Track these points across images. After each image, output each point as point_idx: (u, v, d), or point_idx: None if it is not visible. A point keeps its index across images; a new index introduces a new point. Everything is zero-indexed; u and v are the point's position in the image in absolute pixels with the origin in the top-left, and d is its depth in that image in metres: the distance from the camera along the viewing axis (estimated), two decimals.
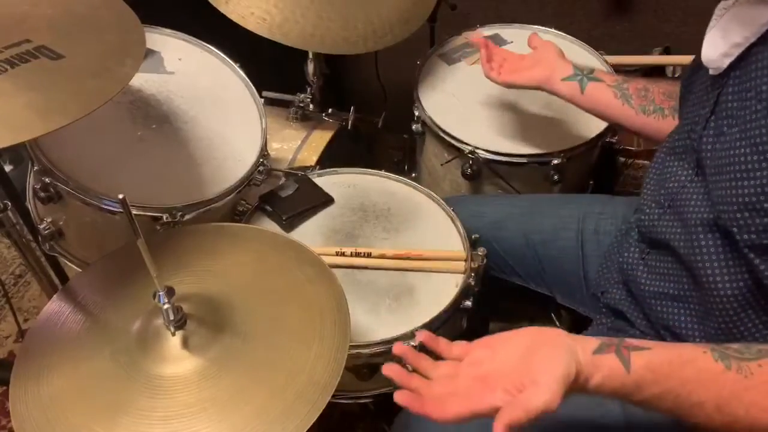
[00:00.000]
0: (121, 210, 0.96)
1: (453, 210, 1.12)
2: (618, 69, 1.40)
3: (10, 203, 0.88)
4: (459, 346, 0.72)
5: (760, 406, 0.61)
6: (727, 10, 0.73)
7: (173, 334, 0.70)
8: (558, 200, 1.19)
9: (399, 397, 0.65)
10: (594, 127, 1.27)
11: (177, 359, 0.70)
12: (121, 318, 0.75)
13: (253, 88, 1.19)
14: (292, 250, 0.84)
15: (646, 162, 1.57)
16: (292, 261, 0.81)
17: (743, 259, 0.70)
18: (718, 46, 0.74)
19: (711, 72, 0.77)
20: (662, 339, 0.84)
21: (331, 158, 1.37)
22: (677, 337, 0.81)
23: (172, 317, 0.69)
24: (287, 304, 0.76)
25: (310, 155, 1.35)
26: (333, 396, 1.00)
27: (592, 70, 1.09)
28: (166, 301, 0.68)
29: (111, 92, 0.73)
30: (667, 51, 1.67)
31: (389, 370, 0.69)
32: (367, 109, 1.53)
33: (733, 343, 0.66)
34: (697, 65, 0.82)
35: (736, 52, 0.72)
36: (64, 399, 0.68)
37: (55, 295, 0.79)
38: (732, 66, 0.73)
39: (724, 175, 0.70)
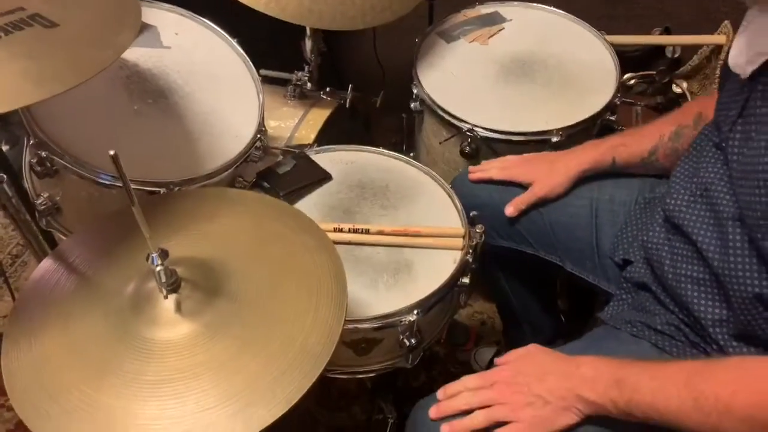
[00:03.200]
0: (117, 184, 0.97)
1: (463, 177, 1.13)
2: (618, 49, 1.40)
3: (5, 176, 0.87)
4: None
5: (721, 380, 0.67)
6: (754, 17, 0.73)
7: (166, 297, 0.70)
8: None
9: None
10: (593, 105, 1.27)
11: (169, 323, 0.69)
12: (114, 280, 0.74)
13: (251, 63, 1.18)
14: (291, 218, 0.83)
15: None
16: (291, 229, 0.81)
17: (766, 262, 0.71)
18: (743, 53, 0.74)
19: (742, 76, 0.75)
20: (686, 318, 0.84)
21: (328, 137, 1.37)
22: (698, 321, 0.81)
23: (164, 280, 0.68)
24: (284, 272, 0.76)
25: (308, 133, 1.35)
26: (331, 371, 1.01)
27: (612, 163, 1.06)
28: (159, 263, 0.67)
29: (106, 61, 0.72)
30: (666, 31, 1.66)
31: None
32: (365, 88, 1.52)
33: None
34: None
35: (760, 60, 0.71)
36: (55, 358, 0.68)
37: (48, 255, 0.79)
38: (761, 72, 0.72)
39: (750, 181, 0.70)
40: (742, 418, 0.65)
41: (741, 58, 0.74)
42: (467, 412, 0.80)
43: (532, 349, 0.85)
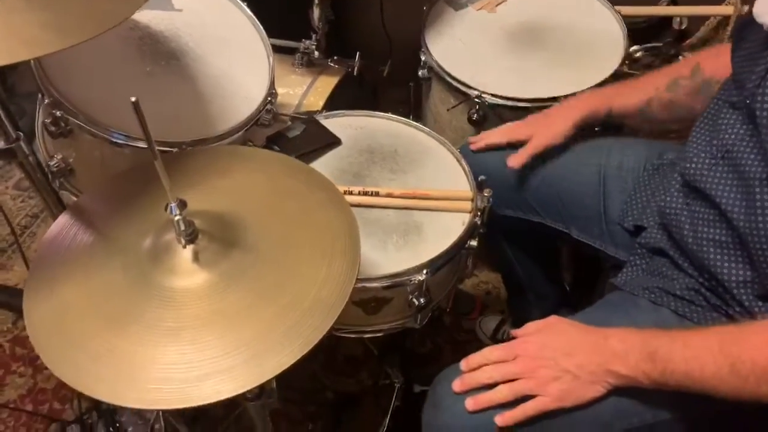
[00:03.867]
0: (131, 144, 0.98)
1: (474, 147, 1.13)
2: (624, 21, 1.40)
3: (22, 134, 0.88)
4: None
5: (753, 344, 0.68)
6: None
7: (184, 247, 0.71)
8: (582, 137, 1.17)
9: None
10: (600, 72, 1.27)
11: (187, 273, 0.71)
12: (131, 234, 0.76)
13: (261, 26, 1.18)
14: (305, 174, 0.85)
15: None
16: (304, 185, 0.82)
17: None
18: None
19: (765, 27, 0.74)
20: (707, 282, 0.84)
21: (336, 105, 1.37)
22: (720, 284, 0.82)
23: (183, 228, 0.70)
24: (299, 226, 0.77)
25: (316, 100, 1.35)
26: (341, 330, 1.03)
27: (609, 113, 1.07)
28: (178, 212, 0.69)
29: (124, 14, 0.73)
30: (673, 2, 1.66)
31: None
32: (372, 57, 1.53)
33: None
34: (752, 17, 0.80)
35: None
36: (76, 307, 0.70)
37: (65, 211, 0.80)
38: None
39: None
40: None
41: (765, 7, 0.73)
42: (492, 385, 0.81)
43: (554, 320, 0.84)
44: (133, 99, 0.60)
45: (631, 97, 1.04)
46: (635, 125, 1.08)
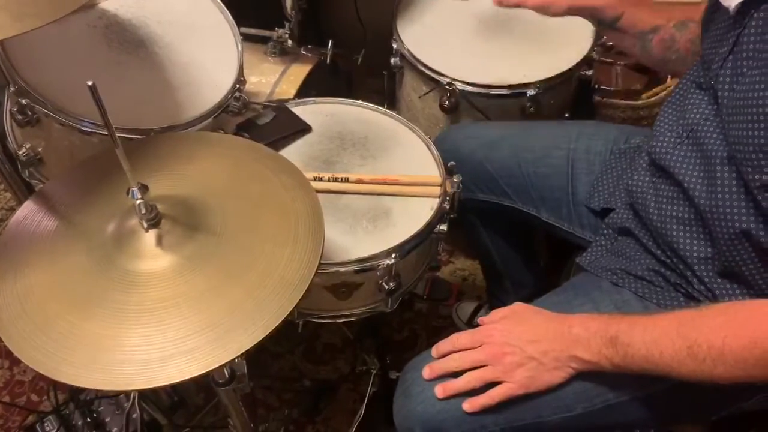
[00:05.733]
0: (99, 132, 0.98)
1: (445, 134, 1.15)
2: None
3: None
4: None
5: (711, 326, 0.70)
6: None
7: (146, 231, 0.71)
8: (552, 123, 1.21)
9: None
10: (570, 59, 1.29)
11: (151, 256, 0.71)
12: (96, 219, 0.76)
13: (228, 13, 1.18)
14: (270, 159, 0.85)
15: (622, 102, 1.59)
16: (269, 170, 0.83)
17: (754, 198, 0.73)
18: None
19: (731, 10, 0.75)
20: (669, 259, 0.86)
21: (310, 93, 1.38)
22: (682, 260, 0.84)
23: (144, 212, 0.70)
24: (263, 208, 0.78)
25: (288, 88, 1.36)
26: (313, 315, 1.04)
27: (618, 18, 1.08)
28: (140, 196, 0.69)
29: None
30: None
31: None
32: (346, 46, 1.53)
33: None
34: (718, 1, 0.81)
35: None
36: (40, 291, 0.70)
37: (30, 197, 0.80)
38: (754, 6, 0.72)
39: (741, 116, 0.71)
40: (735, 361, 0.68)
41: None
42: (461, 371, 0.83)
43: (518, 308, 0.86)
44: (89, 83, 0.60)
45: (645, 15, 1.05)
46: (629, 52, 1.09)
